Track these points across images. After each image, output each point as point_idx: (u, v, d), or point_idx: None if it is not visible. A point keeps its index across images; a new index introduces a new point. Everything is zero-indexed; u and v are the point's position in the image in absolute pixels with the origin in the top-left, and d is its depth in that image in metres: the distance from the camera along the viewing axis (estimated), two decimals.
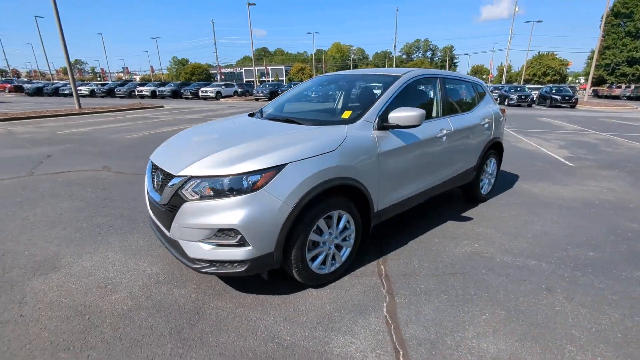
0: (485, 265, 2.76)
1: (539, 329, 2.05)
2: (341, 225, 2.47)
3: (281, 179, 2.07)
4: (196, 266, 2.12)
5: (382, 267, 2.75)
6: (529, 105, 23.20)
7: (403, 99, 2.99)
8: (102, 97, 31.71)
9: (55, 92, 32.49)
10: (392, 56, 57.53)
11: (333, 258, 2.52)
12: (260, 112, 3.48)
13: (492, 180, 4.42)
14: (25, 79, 48.94)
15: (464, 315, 2.18)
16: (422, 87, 3.37)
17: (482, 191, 4.23)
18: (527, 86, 30.17)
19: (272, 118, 3.11)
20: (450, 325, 2.09)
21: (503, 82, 41.81)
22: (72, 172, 5.46)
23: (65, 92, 31.23)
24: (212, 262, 2.10)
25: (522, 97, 23.05)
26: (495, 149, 4.28)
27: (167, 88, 30.15)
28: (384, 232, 3.35)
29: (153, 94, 30.20)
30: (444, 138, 3.26)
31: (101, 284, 2.47)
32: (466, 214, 3.86)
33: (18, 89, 36.55)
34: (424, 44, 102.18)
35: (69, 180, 5.01)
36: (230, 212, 2.01)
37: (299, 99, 3.70)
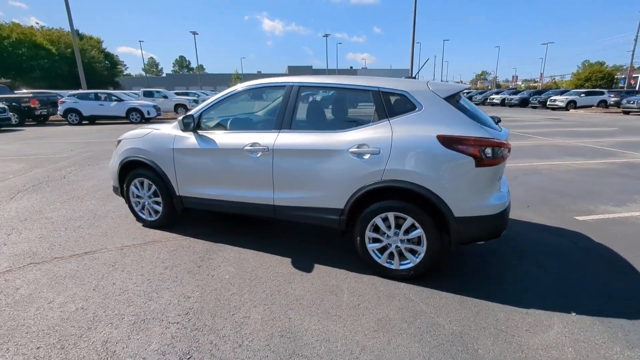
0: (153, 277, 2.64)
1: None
2: (151, 191, 3.54)
3: (119, 146, 3.67)
4: None
5: (171, 239, 3.42)
6: None
7: (227, 107, 3.17)
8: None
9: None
10: None
11: (151, 213, 3.66)
12: None
13: (418, 257, 2.50)
14: None
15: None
16: (261, 95, 3.06)
17: (384, 261, 2.62)
18: None
19: None
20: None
21: None
22: None
23: None
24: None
25: None
26: (416, 201, 2.42)
27: (516, 96, 28.54)
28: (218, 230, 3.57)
29: (502, 103, 29.76)
30: (258, 154, 2.86)
31: None
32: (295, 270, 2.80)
33: None
34: None
35: None
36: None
37: None
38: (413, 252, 2.59)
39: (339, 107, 3.00)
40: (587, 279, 2.68)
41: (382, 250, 2.67)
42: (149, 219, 3.70)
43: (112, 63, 55.90)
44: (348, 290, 2.55)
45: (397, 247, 2.60)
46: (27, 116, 16.26)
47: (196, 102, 22.49)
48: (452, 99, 2.50)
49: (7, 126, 14.49)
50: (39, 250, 3.19)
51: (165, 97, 21.27)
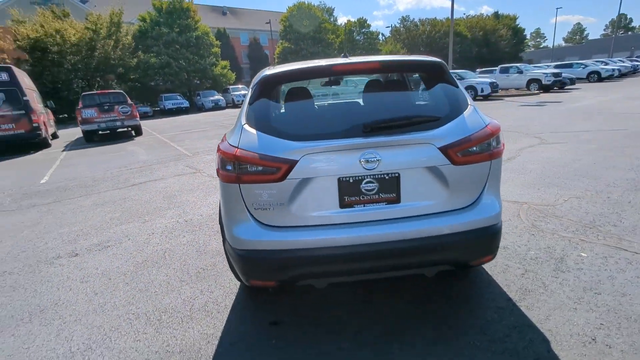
0: None
1: None
2: None
3: None
4: None
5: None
6: None
7: None
8: None
9: None
10: None
11: None
12: None
13: None
14: None
15: None
16: None
17: None
18: None
19: None
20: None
21: None
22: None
23: None
24: None
25: None
26: None
27: None
28: None
29: None
30: None
31: None
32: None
33: None
34: None
35: None
36: None
37: None
38: None
39: None
40: None
41: None
42: None
43: (519, 39, 55.06)
44: (203, 270, 2.61)
45: None
46: None
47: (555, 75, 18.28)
48: (259, 88, 1.87)
49: None
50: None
51: (520, 72, 19.13)
